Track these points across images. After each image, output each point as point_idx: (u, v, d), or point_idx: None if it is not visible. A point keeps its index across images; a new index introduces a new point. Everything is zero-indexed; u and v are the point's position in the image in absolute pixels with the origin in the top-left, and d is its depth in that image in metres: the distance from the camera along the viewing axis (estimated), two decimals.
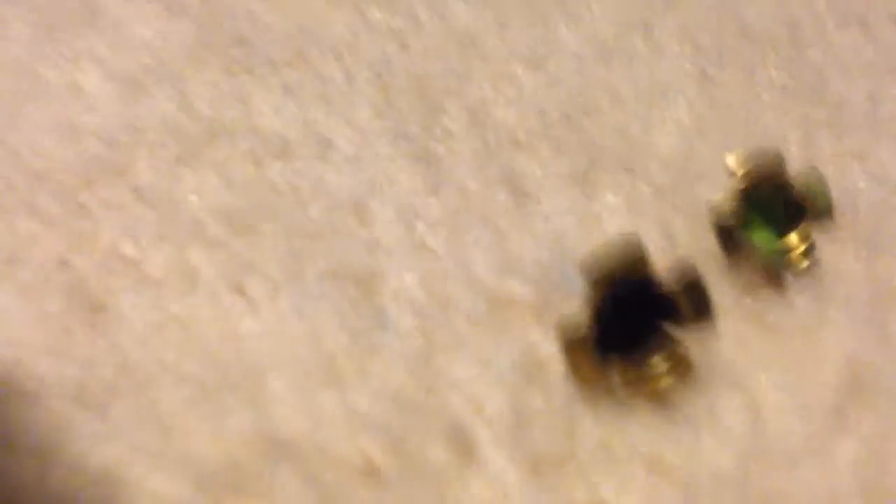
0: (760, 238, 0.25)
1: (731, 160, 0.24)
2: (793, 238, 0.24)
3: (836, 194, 0.28)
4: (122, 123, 0.28)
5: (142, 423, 0.19)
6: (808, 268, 0.24)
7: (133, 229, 0.25)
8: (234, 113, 0.30)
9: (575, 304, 0.21)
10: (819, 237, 0.26)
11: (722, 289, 0.24)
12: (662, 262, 0.21)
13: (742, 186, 0.24)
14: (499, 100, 0.32)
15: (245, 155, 0.28)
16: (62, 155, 0.27)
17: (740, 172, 0.24)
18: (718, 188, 0.25)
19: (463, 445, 0.19)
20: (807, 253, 0.24)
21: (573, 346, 0.20)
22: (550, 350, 0.21)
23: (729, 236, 0.24)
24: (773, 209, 0.25)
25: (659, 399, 0.21)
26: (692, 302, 0.21)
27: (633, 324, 0.21)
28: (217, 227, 0.25)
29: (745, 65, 0.36)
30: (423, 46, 0.35)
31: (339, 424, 0.19)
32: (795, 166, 0.25)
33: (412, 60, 0.34)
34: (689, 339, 0.22)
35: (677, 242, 0.25)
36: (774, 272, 0.24)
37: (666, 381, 0.21)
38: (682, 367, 0.21)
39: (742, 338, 0.23)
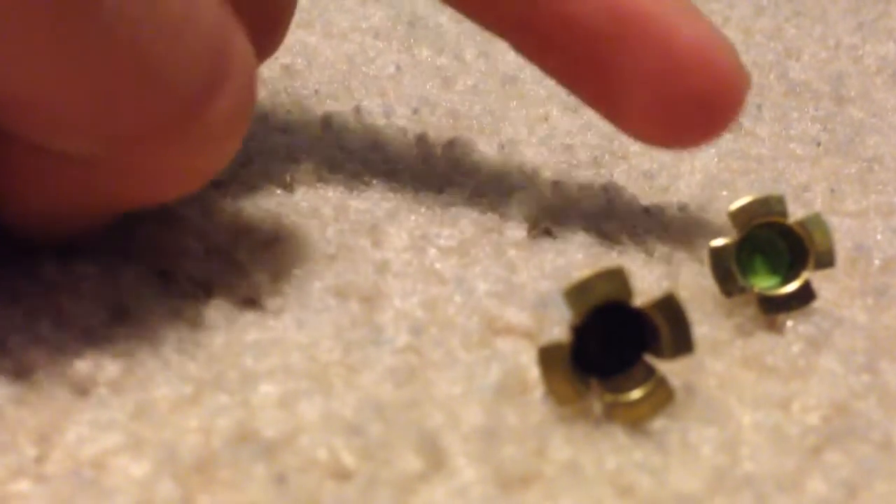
0: (761, 282, 0.25)
1: (734, 205, 0.25)
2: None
3: (850, 245, 0.28)
4: None
5: (139, 415, 0.20)
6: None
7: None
8: (274, 141, 0.31)
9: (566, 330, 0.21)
10: (827, 286, 0.26)
11: (718, 329, 0.25)
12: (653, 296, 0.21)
13: (743, 231, 0.25)
14: (531, 139, 0.33)
15: (276, 179, 0.29)
16: None
17: (742, 217, 0.25)
18: (729, 234, 0.25)
19: (434, 455, 0.20)
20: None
21: (551, 366, 0.21)
22: (536, 373, 0.21)
23: (728, 278, 0.25)
24: (773, 254, 0.25)
25: (634, 424, 0.21)
26: (673, 334, 0.21)
27: (613, 350, 0.22)
28: (239, 245, 0.26)
29: (783, 119, 0.36)
30: (464, 85, 0.37)
31: (317, 429, 0.20)
32: (800, 213, 0.25)
33: (451, 98, 0.35)
34: (676, 373, 0.22)
35: (680, 282, 0.26)
36: (773, 316, 0.25)
37: (643, 409, 0.21)
38: (660, 397, 0.21)
39: (732, 377, 0.23)
